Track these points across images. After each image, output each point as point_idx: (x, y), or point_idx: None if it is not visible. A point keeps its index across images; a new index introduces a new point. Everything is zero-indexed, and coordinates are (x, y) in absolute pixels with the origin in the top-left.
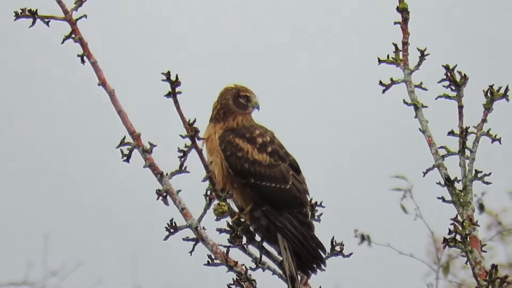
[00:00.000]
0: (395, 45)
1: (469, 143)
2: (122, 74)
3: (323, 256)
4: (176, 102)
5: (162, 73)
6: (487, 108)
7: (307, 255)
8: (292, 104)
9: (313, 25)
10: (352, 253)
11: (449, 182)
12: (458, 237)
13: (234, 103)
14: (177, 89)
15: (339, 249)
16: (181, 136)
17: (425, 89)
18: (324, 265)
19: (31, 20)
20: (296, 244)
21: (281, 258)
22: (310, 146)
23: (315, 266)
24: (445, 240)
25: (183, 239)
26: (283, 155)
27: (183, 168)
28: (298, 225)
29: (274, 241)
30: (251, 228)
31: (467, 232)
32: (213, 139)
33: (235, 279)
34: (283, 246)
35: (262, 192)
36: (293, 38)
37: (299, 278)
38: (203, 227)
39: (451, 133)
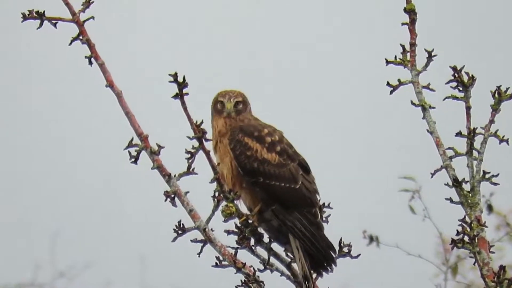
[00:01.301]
0: (403, 46)
1: (477, 144)
2: (129, 75)
3: (333, 256)
4: (183, 103)
5: (170, 75)
6: (495, 109)
7: (318, 254)
8: (298, 104)
9: (319, 27)
10: (360, 254)
11: (457, 183)
12: (466, 238)
13: (214, 108)
14: (184, 91)
15: (347, 250)
16: (189, 137)
17: (432, 90)
18: (335, 265)
19: (38, 21)
20: (306, 244)
21: (289, 260)
22: (317, 147)
23: (325, 265)
24: (453, 241)
25: (191, 240)
26: (292, 154)
27: (191, 169)
28: (307, 224)
29: (286, 241)
30: (262, 229)
31: (475, 233)
32: (223, 144)
33: (243, 281)
34: (295, 246)
35: (271, 192)
36: (296, 40)
37: (313, 277)
38: (211, 229)
39: (459, 134)
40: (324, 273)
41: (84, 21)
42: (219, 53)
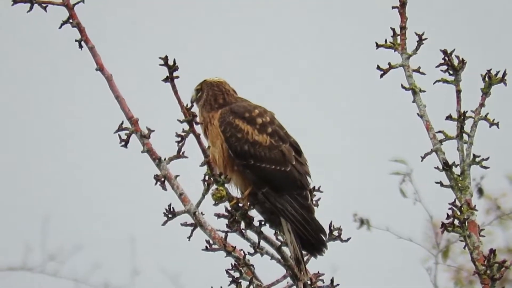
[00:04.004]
0: (393, 29)
1: (467, 127)
2: (120, 59)
3: (324, 239)
4: (173, 87)
5: (160, 58)
6: (485, 92)
7: (309, 237)
8: (290, 88)
9: (309, 10)
10: (350, 238)
11: (447, 167)
12: (456, 222)
13: None
14: (174, 74)
15: (337, 234)
16: (179, 121)
17: (423, 73)
18: (326, 248)
19: (28, 5)
20: (297, 227)
21: (279, 243)
22: (307, 131)
23: (317, 248)
24: (443, 224)
25: (181, 224)
26: (284, 135)
27: (181, 153)
28: (298, 207)
29: (279, 223)
30: (256, 211)
31: (465, 217)
32: (214, 126)
33: (233, 264)
34: (286, 229)
35: (261, 174)
36: (287, 21)
37: (304, 260)
38: (201, 212)
39: (449, 117)
40: (315, 256)
41: (74, 5)
42: (210, 34)
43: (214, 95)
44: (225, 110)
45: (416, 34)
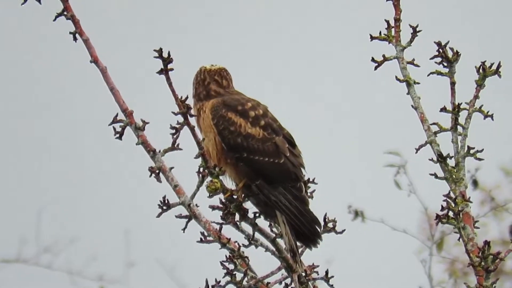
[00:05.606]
0: (387, 21)
1: (462, 119)
2: (114, 51)
3: (318, 230)
4: (168, 79)
5: (154, 50)
6: (479, 84)
7: (303, 229)
8: (284, 80)
9: (304, 3)
10: (344, 230)
11: (441, 159)
12: (450, 214)
13: None
14: (169, 66)
15: (332, 226)
16: (173, 113)
17: (417, 65)
18: (320, 240)
19: None
20: (291, 218)
21: (274, 235)
22: (301, 123)
23: (311, 240)
24: (437, 216)
25: (176, 216)
26: (277, 128)
27: (175, 145)
28: (292, 199)
29: (274, 215)
30: (250, 203)
31: (459, 209)
32: (206, 115)
33: (228, 256)
34: (281, 220)
35: (255, 167)
36: (281, 12)
37: (299, 251)
38: (196, 204)
39: (444, 109)
40: (310, 247)
41: None
42: (204, 25)
43: (197, 83)
44: (218, 102)
45: (410, 26)
